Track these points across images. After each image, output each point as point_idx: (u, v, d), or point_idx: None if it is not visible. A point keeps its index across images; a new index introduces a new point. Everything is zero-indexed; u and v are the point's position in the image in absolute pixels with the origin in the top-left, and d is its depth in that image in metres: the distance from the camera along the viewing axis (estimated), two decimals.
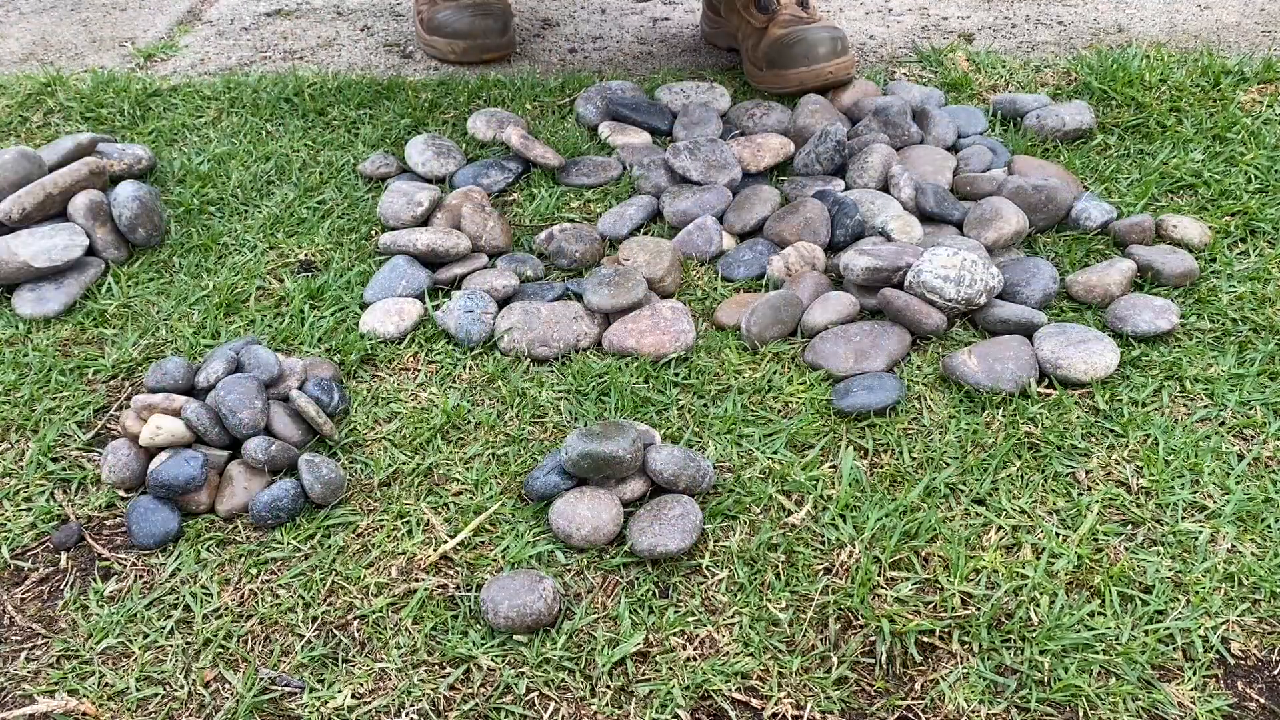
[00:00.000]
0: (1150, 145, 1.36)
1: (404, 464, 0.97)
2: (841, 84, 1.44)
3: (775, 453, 0.96)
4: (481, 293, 1.12)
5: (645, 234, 1.25)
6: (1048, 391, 1.02)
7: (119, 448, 0.95)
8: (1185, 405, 1.00)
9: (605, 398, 1.02)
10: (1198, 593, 0.84)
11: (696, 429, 0.99)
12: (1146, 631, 0.81)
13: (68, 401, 1.04)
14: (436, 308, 1.12)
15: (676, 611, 0.84)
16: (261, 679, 0.80)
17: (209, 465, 0.93)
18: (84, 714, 0.78)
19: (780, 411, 1.01)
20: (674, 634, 0.82)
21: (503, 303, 1.14)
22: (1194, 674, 0.79)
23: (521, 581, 0.83)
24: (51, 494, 0.96)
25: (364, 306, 1.14)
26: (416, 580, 0.87)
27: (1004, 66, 1.58)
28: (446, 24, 1.59)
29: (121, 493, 0.95)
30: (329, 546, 0.90)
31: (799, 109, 1.38)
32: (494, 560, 0.88)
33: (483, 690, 0.79)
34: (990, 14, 1.80)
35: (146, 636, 0.83)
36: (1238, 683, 0.79)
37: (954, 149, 1.36)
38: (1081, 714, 0.77)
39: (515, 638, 0.82)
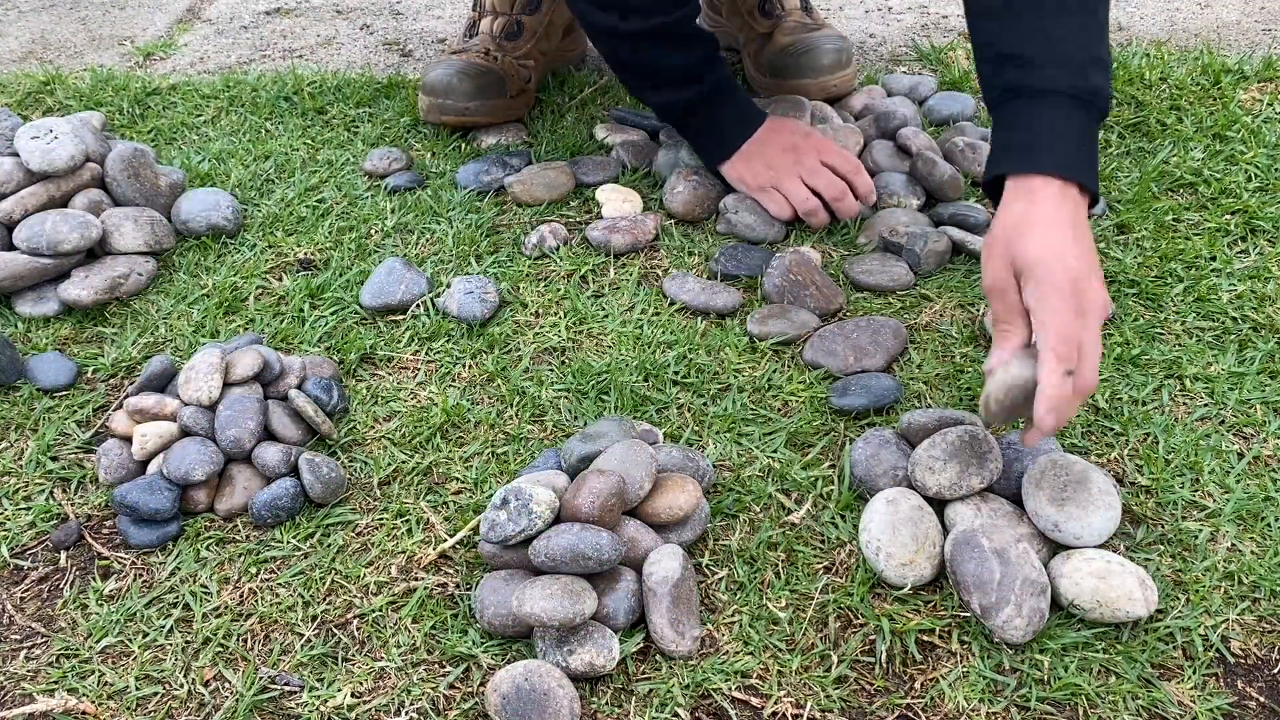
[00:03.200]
0: (1150, 143, 1.36)
1: (403, 463, 0.97)
2: (843, 95, 1.44)
3: (775, 451, 0.96)
4: (480, 275, 1.13)
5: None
6: None
7: (114, 448, 0.95)
8: (1185, 404, 1.00)
9: (605, 397, 1.02)
10: (1198, 592, 0.84)
11: (696, 428, 0.99)
12: (1146, 630, 0.81)
13: (67, 400, 1.04)
14: (436, 296, 1.13)
15: None
16: (261, 678, 0.80)
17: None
18: (84, 713, 0.78)
19: (780, 410, 1.01)
20: None
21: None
22: (1194, 673, 0.79)
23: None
24: (51, 493, 0.96)
25: (364, 306, 1.14)
26: (416, 579, 0.87)
27: None
28: (424, 75, 1.42)
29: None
30: (329, 545, 0.90)
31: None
32: None
33: (483, 689, 0.79)
34: None
35: (146, 635, 0.83)
36: (1238, 681, 0.79)
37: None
38: (1081, 713, 0.77)
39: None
